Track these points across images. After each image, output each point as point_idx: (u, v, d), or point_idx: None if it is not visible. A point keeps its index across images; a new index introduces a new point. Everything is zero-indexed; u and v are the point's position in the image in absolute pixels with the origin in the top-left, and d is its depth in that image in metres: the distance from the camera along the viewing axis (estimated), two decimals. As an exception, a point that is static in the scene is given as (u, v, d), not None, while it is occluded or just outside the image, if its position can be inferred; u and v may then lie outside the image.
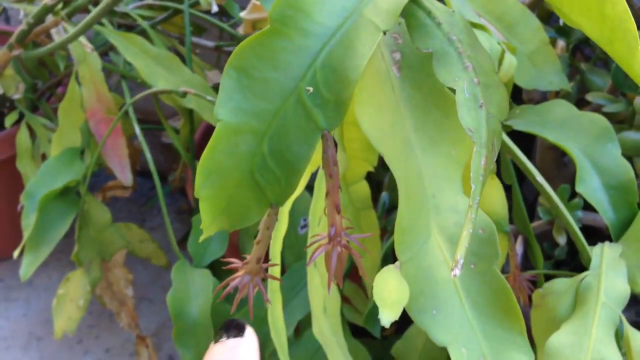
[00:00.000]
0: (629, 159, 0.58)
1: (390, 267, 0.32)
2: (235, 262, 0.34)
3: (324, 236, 0.30)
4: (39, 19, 0.67)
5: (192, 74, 0.78)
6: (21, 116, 0.86)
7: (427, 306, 0.33)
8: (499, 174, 0.64)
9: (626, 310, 0.55)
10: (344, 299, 0.72)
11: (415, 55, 0.34)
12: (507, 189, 0.60)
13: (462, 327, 0.33)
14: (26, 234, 0.69)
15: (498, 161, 0.75)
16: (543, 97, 0.69)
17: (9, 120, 0.84)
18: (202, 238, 0.31)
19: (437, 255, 0.33)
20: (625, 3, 0.22)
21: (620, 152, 0.49)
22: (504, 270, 0.53)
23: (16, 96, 0.85)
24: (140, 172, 1.17)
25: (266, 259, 0.45)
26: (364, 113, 0.32)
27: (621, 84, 0.55)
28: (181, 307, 0.63)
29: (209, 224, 0.31)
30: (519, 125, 0.53)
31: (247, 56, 0.30)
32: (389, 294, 0.30)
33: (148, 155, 0.72)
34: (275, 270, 0.46)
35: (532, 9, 0.63)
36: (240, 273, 0.34)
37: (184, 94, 0.74)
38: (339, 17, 0.30)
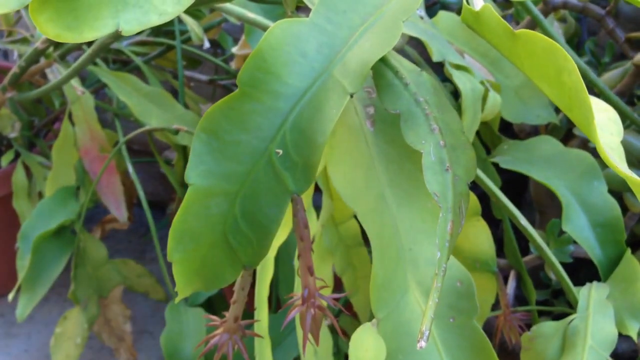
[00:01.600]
0: (618, 194, 0.57)
1: (367, 325, 0.32)
2: (215, 319, 0.34)
3: (299, 297, 0.30)
4: (31, 61, 0.68)
5: (184, 110, 0.79)
6: (17, 155, 0.86)
7: (406, 363, 0.32)
8: (489, 210, 0.64)
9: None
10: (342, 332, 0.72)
11: (389, 109, 0.34)
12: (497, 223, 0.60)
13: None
14: (21, 275, 0.69)
15: (487, 197, 0.75)
16: (534, 128, 0.69)
17: (5, 159, 0.85)
18: (177, 300, 0.31)
19: (415, 309, 0.33)
20: (579, 74, 0.22)
21: (606, 189, 0.49)
22: (494, 309, 0.53)
23: (12, 135, 0.86)
24: (139, 202, 1.17)
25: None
26: (337, 172, 0.32)
27: (608, 118, 0.55)
28: (174, 347, 0.63)
29: (183, 287, 0.31)
30: (506, 163, 0.53)
31: (217, 119, 0.30)
32: (365, 354, 0.30)
33: (141, 193, 0.73)
34: (263, 317, 0.46)
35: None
36: (219, 331, 0.34)
37: (176, 132, 0.75)
38: (309, 78, 0.30)
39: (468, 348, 0.33)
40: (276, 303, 0.74)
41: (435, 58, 0.48)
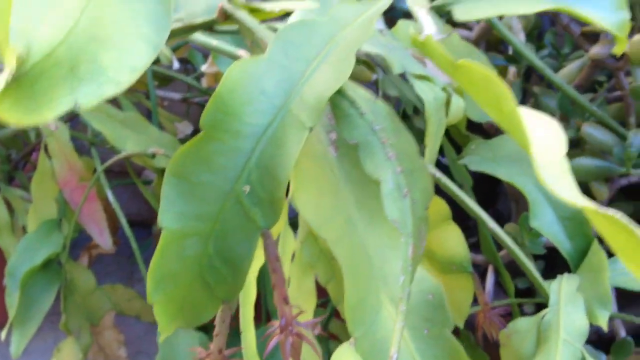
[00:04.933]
0: (585, 184, 0.59)
1: (345, 345, 0.33)
2: (200, 351, 0.35)
3: (277, 326, 0.32)
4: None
5: (159, 132, 0.80)
6: (-4, 190, 0.87)
7: (385, 377, 0.34)
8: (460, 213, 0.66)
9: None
10: (332, 336, 0.74)
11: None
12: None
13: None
14: (11, 312, 0.70)
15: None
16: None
17: (-16, 196, 0.85)
18: (161, 339, 0.33)
19: (389, 326, 0.35)
20: (514, 102, 0.24)
21: (571, 182, 0.50)
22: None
23: (-10, 171, 0.86)
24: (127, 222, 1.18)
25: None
26: (304, 201, 0.33)
27: (568, 112, 0.56)
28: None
29: (165, 326, 0.32)
30: (474, 164, 0.55)
31: (184, 163, 0.31)
32: (344, 374, 0.32)
33: (123, 221, 0.74)
34: (250, 338, 0.48)
35: (478, 43, 0.65)
36: (206, 363, 0.35)
37: (153, 155, 0.76)
38: (268, 115, 0.32)
39: (443, 357, 0.35)
40: (266, 316, 0.75)
41: (396, 70, 0.49)
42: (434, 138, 0.50)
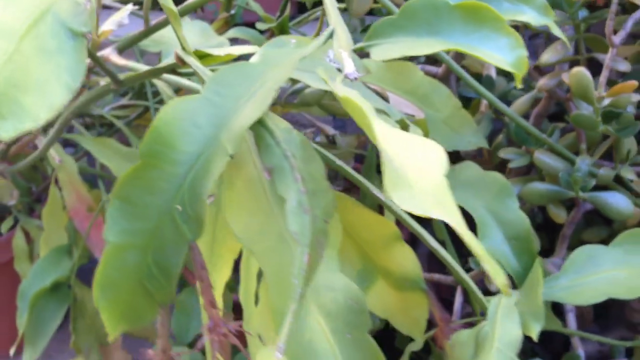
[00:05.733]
0: (543, 208, 0.63)
1: (270, 347, 0.37)
2: (148, 354, 0.40)
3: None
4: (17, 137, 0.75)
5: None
6: (17, 220, 0.94)
7: (309, 376, 0.38)
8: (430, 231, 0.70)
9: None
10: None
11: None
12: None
13: (343, 390, 0.38)
14: (21, 331, 0.76)
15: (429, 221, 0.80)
16: (478, 152, 0.75)
17: (5, 226, 0.92)
18: (110, 338, 0.38)
19: (316, 329, 0.39)
20: (373, 124, 0.28)
21: (517, 205, 0.54)
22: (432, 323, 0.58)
23: (11, 202, 0.93)
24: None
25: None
26: (237, 221, 0.38)
27: (523, 140, 0.60)
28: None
29: (112, 329, 0.37)
30: (432, 189, 0.59)
31: (127, 186, 0.36)
32: (266, 371, 0.36)
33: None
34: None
35: (445, 79, 0.69)
36: (153, 363, 0.40)
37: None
38: (200, 145, 0.37)
39: (363, 358, 0.39)
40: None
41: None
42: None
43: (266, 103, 0.36)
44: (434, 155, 0.32)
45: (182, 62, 0.45)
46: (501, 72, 0.74)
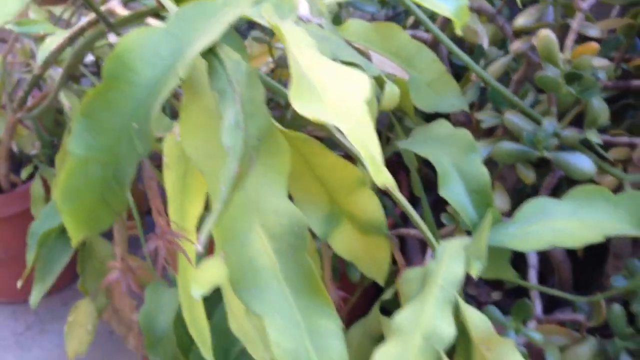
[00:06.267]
0: (512, 166, 0.65)
1: (214, 257, 0.41)
2: (112, 264, 0.45)
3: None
4: (32, 85, 0.81)
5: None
6: (36, 168, 1.00)
7: (248, 286, 0.42)
8: (410, 188, 0.73)
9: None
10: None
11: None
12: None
13: (279, 301, 0.42)
14: (29, 266, 0.81)
15: (405, 177, 0.83)
16: (467, 118, 0.77)
17: (25, 173, 0.98)
18: (74, 243, 0.42)
19: (259, 247, 0.43)
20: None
21: (480, 160, 0.57)
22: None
23: (33, 152, 0.99)
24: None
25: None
26: (189, 143, 0.42)
27: (497, 102, 0.63)
28: (150, 322, 0.73)
29: (74, 232, 0.41)
30: (404, 144, 0.62)
31: (90, 105, 0.40)
32: (204, 275, 0.40)
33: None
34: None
35: (435, 46, 0.71)
36: (114, 272, 0.44)
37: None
38: (160, 71, 0.41)
39: (301, 275, 0.42)
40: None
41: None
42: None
43: (217, 34, 0.40)
44: (358, 82, 0.36)
45: (161, 5, 0.49)
46: (492, 42, 0.77)
